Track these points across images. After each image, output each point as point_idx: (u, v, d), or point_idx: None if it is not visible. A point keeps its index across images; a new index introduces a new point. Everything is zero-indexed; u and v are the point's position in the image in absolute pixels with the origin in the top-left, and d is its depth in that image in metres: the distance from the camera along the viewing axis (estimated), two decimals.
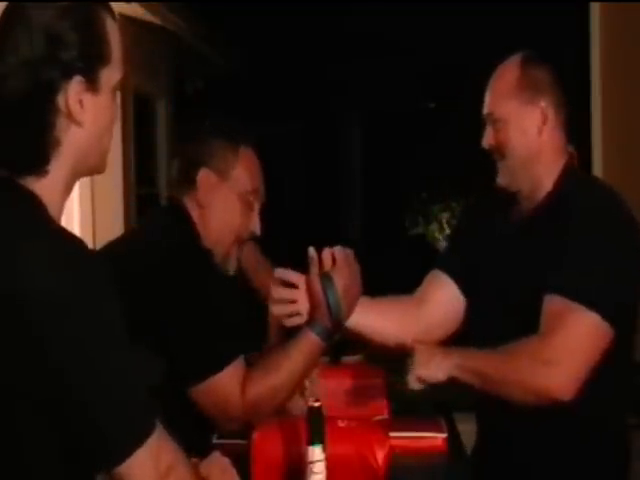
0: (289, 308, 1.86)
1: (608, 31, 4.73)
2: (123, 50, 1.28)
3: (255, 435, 1.69)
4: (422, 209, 9.02)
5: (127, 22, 5.01)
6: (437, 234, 8.86)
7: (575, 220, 1.78)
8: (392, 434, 1.74)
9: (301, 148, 8.63)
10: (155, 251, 1.79)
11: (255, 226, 1.94)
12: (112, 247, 1.89)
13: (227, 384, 1.74)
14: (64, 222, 4.43)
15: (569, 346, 1.68)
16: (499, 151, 1.89)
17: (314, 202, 8.42)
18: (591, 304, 1.69)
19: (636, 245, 1.81)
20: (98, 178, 4.95)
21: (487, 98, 1.91)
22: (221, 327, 1.77)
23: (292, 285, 1.85)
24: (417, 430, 1.86)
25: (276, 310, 1.89)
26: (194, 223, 1.88)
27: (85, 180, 4.85)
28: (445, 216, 8.77)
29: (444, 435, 1.84)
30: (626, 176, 4.61)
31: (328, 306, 1.80)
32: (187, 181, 1.89)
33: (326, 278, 1.81)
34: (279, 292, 1.87)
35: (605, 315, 1.69)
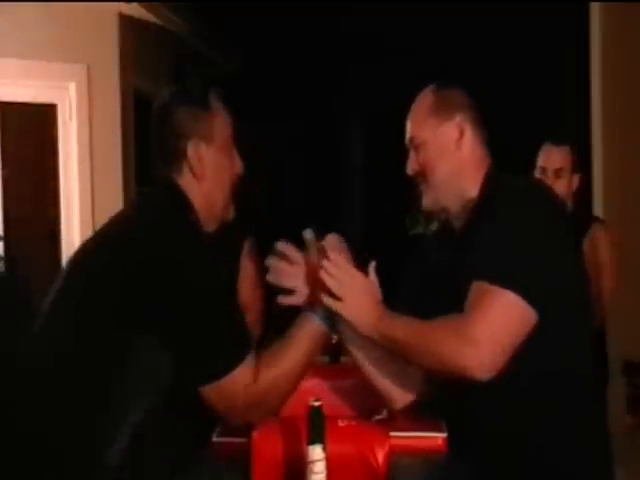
0: (286, 281, 1.89)
1: (608, 31, 4.74)
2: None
3: (255, 434, 1.69)
4: (422, 209, 9.01)
5: (127, 22, 5.02)
6: None
7: (491, 212, 1.83)
8: (392, 434, 1.73)
9: (301, 148, 8.62)
10: (159, 243, 1.71)
11: (238, 166, 1.93)
12: (110, 234, 1.82)
13: (239, 382, 1.71)
14: (64, 220, 4.45)
15: (487, 325, 1.71)
16: (423, 173, 1.97)
17: (314, 202, 8.42)
18: (507, 284, 1.72)
19: (557, 233, 1.85)
20: (98, 178, 4.97)
21: (407, 126, 2.01)
22: (233, 322, 1.74)
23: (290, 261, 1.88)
24: (417, 430, 1.85)
25: (270, 279, 1.90)
26: (191, 203, 1.84)
27: (85, 179, 4.87)
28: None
29: (444, 435, 1.84)
30: (626, 175, 4.62)
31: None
32: (177, 159, 1.85)
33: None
34: (276, 263, 1.89)
35: (523, 295, 1.72)
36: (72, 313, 1.71)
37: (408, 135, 2.00)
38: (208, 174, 1.86)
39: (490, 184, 1.92)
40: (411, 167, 1.99)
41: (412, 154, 1.99)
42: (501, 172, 1.97)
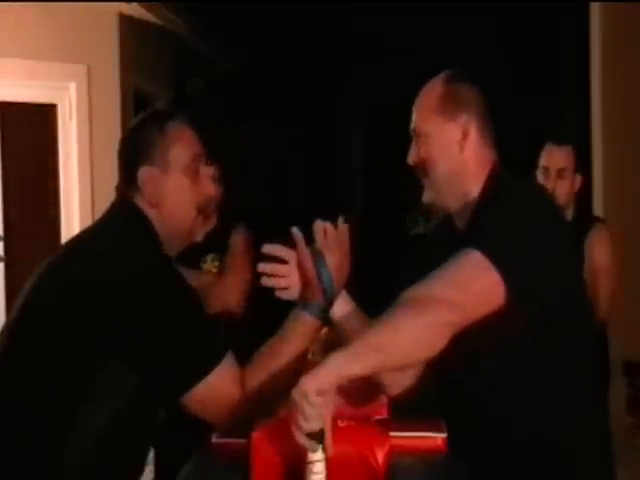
0: (278, 282, 1.87)
1: (608, 31, 4.74)
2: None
3: (255, 435, 1.69)
4: (422, 209, 9.01)
5: (127, 22, 5.02)
6: None
7: (493, 212, 1.80)
8: (392, 434, 1.73)
9: (301, 148, 8.62)
10: (123, 260, 1.72)
11: (208, 189, 1.89)
12: (75, 254, 1.81)
13: (221, 383, 1.71)
14: (64, 220, 4.46)
15: (455, 277, 1.67)
16: (423, 168, 1.94)
17: (314, 202, 8.42)
18: (488, 253, 1.67)
19: (559, 235, 1.83)
20: (98, 178, 4.97)
21: (413, 114, 1.97)
22: (202, 330, 1.74)
23: (281, 260, 1.86)
24: (417, 430, 1.86)
25: (264, 282, 1.89)
26: (150, 223, 1.82)
27: (85, 179, 4.86)
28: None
29: (444, 435, 1.84)
30: (626, 175, 4.62)
31: (321, 283, 1.80)
32: (132, 184, 1.83)
33: (319, 256, 1.82)
34: (265, 267, 1.87)
35: (500, 269, 1.66)
36: (41, 324, 1.70)
37: (412, 124, 1.96)
38: (166, 200, 1.83)
39: (492, 185, 1.90)
40: (412, 158, 1.96)
41: (414, 144, 1.96)
42: (501, 172, 1.96)
